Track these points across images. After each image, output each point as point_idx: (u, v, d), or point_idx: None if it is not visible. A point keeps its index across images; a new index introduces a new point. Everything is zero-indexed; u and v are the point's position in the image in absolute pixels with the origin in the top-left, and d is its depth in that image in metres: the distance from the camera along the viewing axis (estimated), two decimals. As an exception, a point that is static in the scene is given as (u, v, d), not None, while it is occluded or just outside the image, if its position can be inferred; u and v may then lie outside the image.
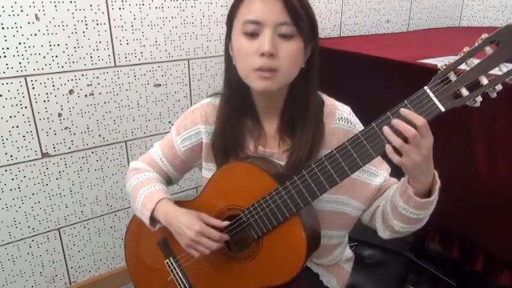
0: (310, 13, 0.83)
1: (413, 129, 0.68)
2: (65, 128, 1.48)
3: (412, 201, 0.77)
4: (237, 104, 0.91)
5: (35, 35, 1.34)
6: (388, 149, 0.71)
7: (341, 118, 0.90)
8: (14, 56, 1.32)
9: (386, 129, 0.70)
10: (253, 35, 0.80)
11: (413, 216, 0.79)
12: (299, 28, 0.79)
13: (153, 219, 0.94)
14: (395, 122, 0.69)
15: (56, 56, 1.40)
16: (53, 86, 1.42)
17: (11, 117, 1.37)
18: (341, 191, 0.90)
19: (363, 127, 0.90)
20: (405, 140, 0.69)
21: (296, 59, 0.83)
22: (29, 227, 1.51)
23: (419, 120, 0.68)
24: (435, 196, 0.77)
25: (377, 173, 0.91)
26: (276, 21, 0.78)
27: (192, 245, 0.87)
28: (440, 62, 1.02)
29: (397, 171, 0.89)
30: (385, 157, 0.76)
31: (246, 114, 0.93)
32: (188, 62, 1.69)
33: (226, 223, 0.88)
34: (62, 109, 1.46)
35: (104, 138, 1.58)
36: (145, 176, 1.01)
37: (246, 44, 0.81)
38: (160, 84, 1.65)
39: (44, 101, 1.42)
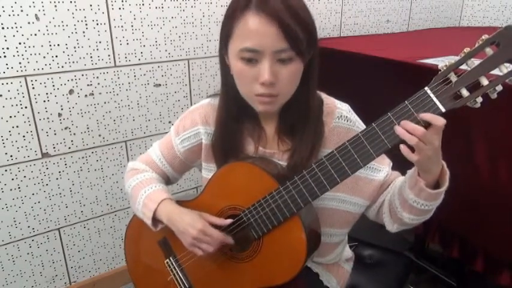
0: (310, 29, 0.79)
1: (421, 127, 0.68)
2: (65, 128, 1.48)
3: (424, 193, 0.77)
4: (235, 108, 0.91)
5: (35, 35, 1.34)
6: (405, 149, 0.71)
7: (340, 116, 0.90)
8: (14, 56, 1.32)
9: (399, 129, 0.70)
10: (251, 61, 0.78)
11: (424, 207, 0.80)
12: (298, 51, 0.77)
13: (154, 220, 0.95)
14: (403, 123, 0.70)
15: (56, 56, 1.40)
16: (53, 86, 1.42)
17: (11, 117, 1.37)
18: (343, 189, 0.90)
19: (363, 124, 0.91)
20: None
21: (296, 80, 0.82)
22: (29, 227, 1.51)
23: (440, 120, 0.68)
24: (446, 186, 0.78)
25: (379, 168, 0.92)
26: (274, 48, 0.76)
27: (195, 243, 0.88)
28: (440, 62, 1.02)
29: (399, 165, 0.89)
30: (387, 152, 0.76)
31: (245, 116, 0.93)
32: (188, 62, 1.69)
33: (229, 221, 0.88)
34: (62, 109, 1.46)
35: (104, 138, 1.58)
36: (145, 177, 1.01)
37: (244, 69, 0.79)
38: (160, 84, 1.65)
39: (44, 101, 1.42)
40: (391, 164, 0.94)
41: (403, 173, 0.85)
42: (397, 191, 0.86)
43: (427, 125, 0.69)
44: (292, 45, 0.76)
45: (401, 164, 0.82)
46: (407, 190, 0.81)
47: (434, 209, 0.83)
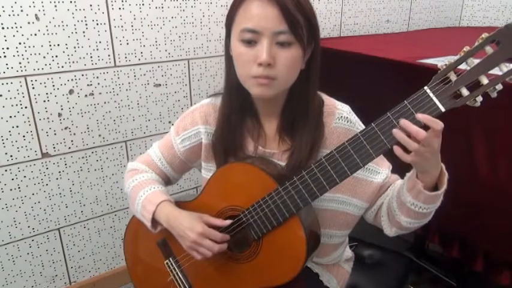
0: (310, 17, 0.81)
1: (424, 131, 0.67)
2: (65, 128, 1.48)
3: (422, 196, 0.77)
4: (237, 104, 0.91)
5: (35, 35, 1.34)
6: (398, 150, 0.70)
7: (341, 117, 0.90)
8: (14, 56, 1.32)
9: (398, 134, 0.69)
10: (250, 43, 0.79)
11: (422, 210, 0.80)
12: (297, 36, 0.78)
13: (154, 222, 0.94)
14: (403, 123, 0.69)
15: (56, 56, 1.40)
16: (53, 86, 1.42)
17: (11, 117, 1.37)
18: (342, 190, 0.90)
19: (363, 125, 0.90)
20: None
21: (294, 66, 0.82)
22: (29, 227, 1.51)
23: (439, 124, 0.67)
24: (444, 188, 0.77)
25: (378, 170, 0.91)
26: (274, 29, 0.77)
27: (195, 247, 0.87)
28: (440, 62, 1.02)
29: (399, 168, 0.89)
30: (387, 154, 0.76)
31: (246, 114, 0.93)
32: (188, 62, 1.69)
33: (228, 222, 0.88)
34: (62, 109, 1.46)
35: (104, 138, 1.58)
36: (144, 177, 1.01)
37: (244, 51, 0.80)
38: (160, 84, 1.65)
39: (44, 101, 1.42)
40: (391, 167, 0.94)
41: (403, 176, 0.85)
42: (395, 194, 0.85)
43: (425, 127, 0.69)
44: (291, 27, 0.77)
45: (401, 167, 0.82)
46: (405, 192, 0.80)
47: (432, 213, 0.83)
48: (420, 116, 0.68)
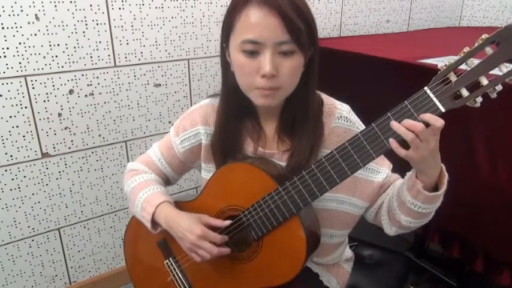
0: (310, 22, 0.80)
1: (421, 124, 0.68)
2: (65, 128, 1.48)
3: (421, 196, 0.77)
4: (235, 106, 0.90)
5: (35, 35, 1.34)
6: (393, 143, 0.71)
7: (340, 117, 0.90)
8: (14, 56, 1.32)
9: (395, 124, 0.70)
10: (252, 54, 0.78)
11: (421, 210, 0.80)
12: (299, 44, 0.78)
13: (154, 223, 0.94)
14: (403, 122, 0.69)
15: (56, 56, 1.40)
16: (53, 86, 1.42)
17: (11, 117, 1.37)
18: (342, 190, 0.90)
19: (362, 125, 0.91)
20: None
21: (297, 74, 0.82)
22: (29, 227, 1.51)
23: (439, 121, 0.68)
24: (444, 189, 0.77)
25: (378, 169, 0.91)
26: (276, 40, 0.76)
27: (194, 249, 0.87)
28: (440, 62, 1.02)
29: (399, 168, 0.89)
30: (387, 154, 0.76)
31: (245, 115, 0.92)
32: (188, 62, 1.69)
33: (228, 222, 0.88)
34: (62, 109, 1.46)
35: (104, 138, 1.58)
36: (143, 178, 1.00)
37: (246, 62, 0.79)
38: (160, 84, 1.65)
39: (44, 101, 1.42)
40: (391, 166, 0.94)
41: (403, 176, 0.85)
42: (395, 193, 0.86)
43: (426, 125, 0.69)
44: (293, 37, 0.76)
45: (401, 166, 0.82)
46: (405, 192, 0.80)
47: (432, 213, 0.82)
48: (421, 116, 0.68)
